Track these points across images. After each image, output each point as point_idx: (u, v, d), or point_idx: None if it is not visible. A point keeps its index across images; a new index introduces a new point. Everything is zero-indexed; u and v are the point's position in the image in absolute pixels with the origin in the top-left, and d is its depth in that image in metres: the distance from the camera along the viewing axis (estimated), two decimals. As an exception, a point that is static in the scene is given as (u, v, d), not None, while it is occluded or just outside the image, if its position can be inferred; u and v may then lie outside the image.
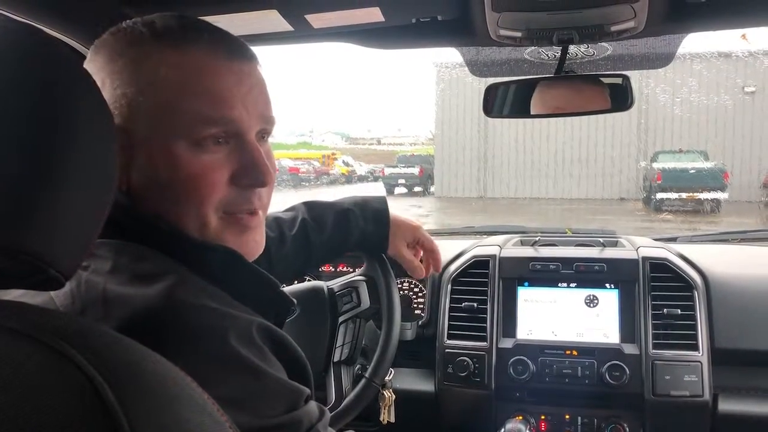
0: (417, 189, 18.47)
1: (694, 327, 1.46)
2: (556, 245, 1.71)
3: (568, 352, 1.50)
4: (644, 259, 1.54)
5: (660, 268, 1.53)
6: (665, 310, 1.48)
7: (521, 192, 16.17)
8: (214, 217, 0.75)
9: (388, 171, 19.17)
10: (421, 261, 1.42)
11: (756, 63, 17.50)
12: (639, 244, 1.64)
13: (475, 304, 1.60)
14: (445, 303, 1.64)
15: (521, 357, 1.51)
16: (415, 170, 18.52)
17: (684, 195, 14.60)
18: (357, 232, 1.33)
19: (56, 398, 0.41)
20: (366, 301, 1.40)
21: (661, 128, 17.79)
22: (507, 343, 1.55)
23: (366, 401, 1.34)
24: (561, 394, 1.49)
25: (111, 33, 0.75)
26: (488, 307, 1.59)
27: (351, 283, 1.41)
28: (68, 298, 0.65)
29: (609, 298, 1.53)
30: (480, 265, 1.64)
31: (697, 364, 1.43)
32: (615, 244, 1.71)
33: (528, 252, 1.66)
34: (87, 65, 0.73)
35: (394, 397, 1.49)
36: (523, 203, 15.53)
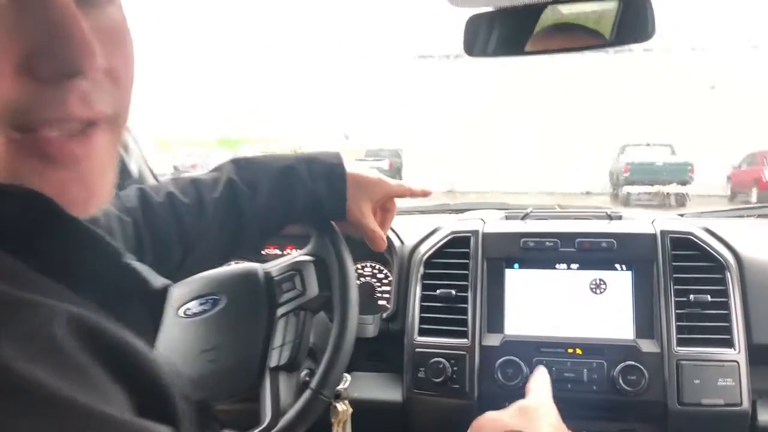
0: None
1: (727, 317, 1.17)
2: (551, 220, 1.41)
3: (570, 350, 1.20)
4: (664, 233, 1.24)
5: (684, 244, 1.23)
6: (691, 296, 1.18)
7: (489, 186, 16.05)
8: None
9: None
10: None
11: (722, 59, 17.72)
12: (653, 217, 1.34)
13: (453, 292, 1.28)
14: (416, 291, 1.32)
15: (511, 357, 1.20)
16: (384, 164, 18.25)
17: (651, 189, 14.70)
18: (304, 194, 1.02)
19: None
20: (313, 287, 1.07)
21: (628, 121, 17.92)
22: (493, 340, 1.24)
23: (312, 418, 1.02)
24: (562, 403, 1.18)
25: None
26: (469, 294, 1.27)
27: (294, 265, 1.09)
28: None
29: (620, 282, 1.23)
30: (459, 243, 1.33)
31: (734, 365, 1.14)
32: (620, 218, 1.41)
33: (518, 226, 1.35)
34: None
35: (350, 410, 1.18)
36: (491, 197, 15.41)
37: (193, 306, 1.08)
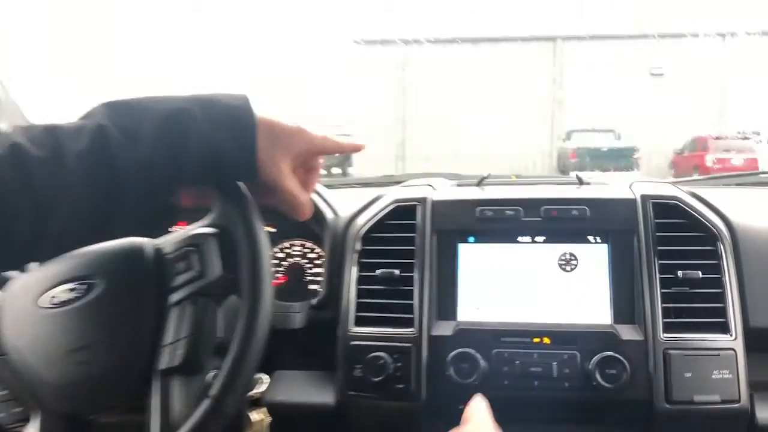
0: (335, 171, 18.22)
1: (721, 297, 0.99)
2: (511, 186, 1.21)
3: (536, 340, 1.01)
4: (645, 198, 1.05)
5: (669, 211, 1.04)
6: (679, 272, 1.00)
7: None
8: None
9: (304, 152, 18.77)
10: None
11: (664, 46, 18.11)
12: (631, 180, 1.15)
13: (397, 272, 1.07)
14: (352, 272, 1.10)
15: (466, 349, 1.00)
16: (333, 150, 18.06)
17: (599, 174, 14.91)
18: (198, 143, 0.77)
19: None
20: (214, 267, 0.84)
21: (573, 108, 18.23)
22: (444, 329, 1.03)
23: None
24: (527, 404, 1.00)
25: None
26: (416, 275, 1.07)
27: (191, 239, 0.86)
28: None
29: (594, 257, 1.04)
30: (403, 213, 1.11)
31: (730, 353, 0.96)
32: (590, 183, 1.22)
33: (473, 193, 1.14)
34: None
35: (269, 418, 0.96)
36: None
37: (60, 293, 0.84)
